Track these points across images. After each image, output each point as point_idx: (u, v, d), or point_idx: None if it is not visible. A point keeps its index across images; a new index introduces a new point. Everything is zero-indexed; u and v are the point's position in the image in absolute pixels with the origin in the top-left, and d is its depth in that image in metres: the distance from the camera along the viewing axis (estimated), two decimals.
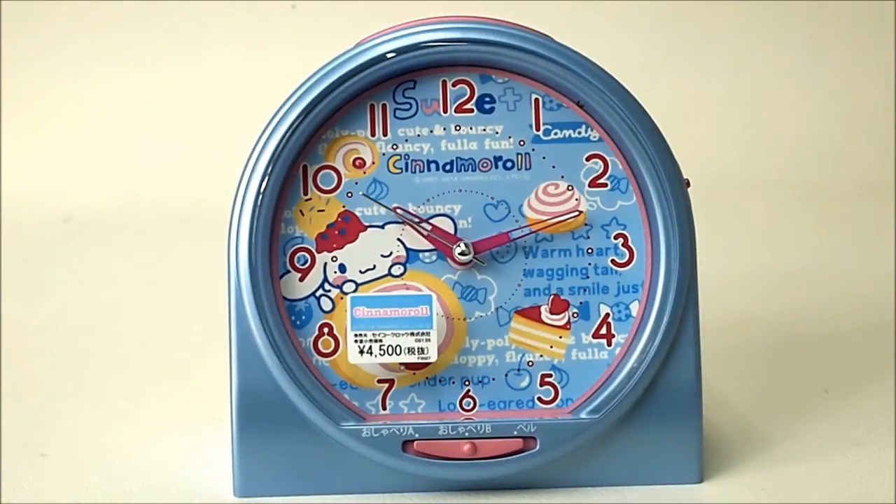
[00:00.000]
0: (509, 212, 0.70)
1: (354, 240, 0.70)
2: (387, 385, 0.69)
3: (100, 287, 1.21)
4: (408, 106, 0.70)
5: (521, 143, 0.70)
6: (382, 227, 0.70)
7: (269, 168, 0.68)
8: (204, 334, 0.98)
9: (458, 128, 0.70)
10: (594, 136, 0.70)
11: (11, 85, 1.54)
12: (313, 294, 0.69)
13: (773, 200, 1.43)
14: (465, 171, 0.70)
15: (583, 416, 0.68)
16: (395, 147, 0.70)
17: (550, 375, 0.70)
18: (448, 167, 0.70)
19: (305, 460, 0.68)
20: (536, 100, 0.70)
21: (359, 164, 0.70)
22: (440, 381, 0.69)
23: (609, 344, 0.70)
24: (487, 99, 0.70)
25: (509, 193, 0.70)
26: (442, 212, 0.70)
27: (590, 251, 0.70)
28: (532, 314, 0.70)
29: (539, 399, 0.69)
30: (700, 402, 0.69)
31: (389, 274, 0.70)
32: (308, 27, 1.54)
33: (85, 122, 1.53)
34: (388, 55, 0.68)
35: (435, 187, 0.70)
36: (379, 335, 0.67)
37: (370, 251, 0.70)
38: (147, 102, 1.54)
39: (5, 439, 0.78)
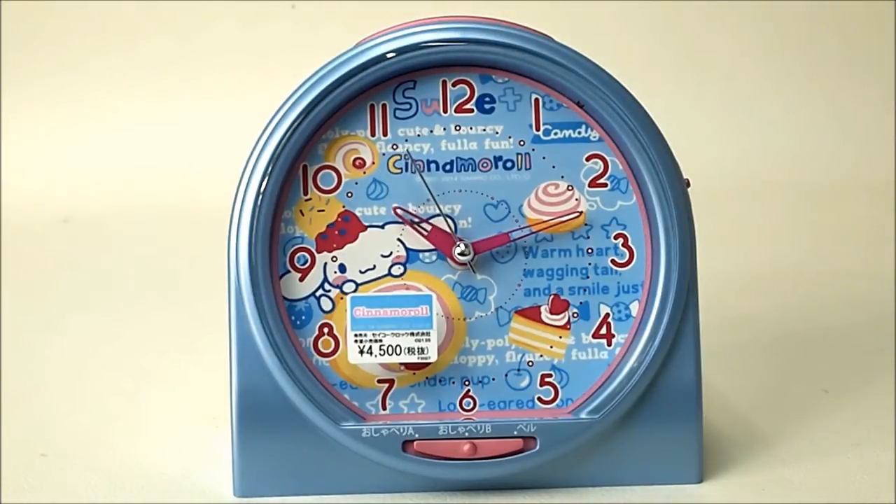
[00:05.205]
0: (509, 212, 0.70)
1: (354, 240, 0.70)
2: (387, 385, 0.69)
3: (100, 287, 1.21)
4: (408, 106, 0.70)
5: (521, 143, 0.70)
6: (382, 227, 0.70)
7: (269, 168, 0.68)
8: (204, 334, 0.98)
9: (458, 128, 0.70)
10: (594, 136, 0.70)
11: (12, 85, 1.55)
12: (313, 294, 0.69)
13: (773, 200, 1.43)
14: (465, 171, 0.70)
15: (583, 416, 0.68)
16: (395, 147, 0.70)
17: (550, 375, 0.70)
18: (448, 167, 0.70)
19: (305, 460, 0.68)
20: (536, 100, 0.70)
21: (359, 164, 0.70)
22: (440, 381, 0.69)
23: (609, 344, 0.70)
24: (487, 99, 0.70)
25: (509, 193, 0.70)
26: (442, 212, 0.70)
27: (590, 251, 0.70)
28: (532, 314, 0.70)
29: (539, 399, 0.69)
30: (700, 402, 0.69)
31: (389, 274, 0.70)
32: (308, 27, 1.54)
33: (85, 122, 1.53)
34: (388, 55, 0.68)
35: (435, 187, 0.69)
36: (379, 335, 0.67)
37: (370, 251, 0.69)
38: (147, 103, 1.54)
39: (5, 439, 0.78)
